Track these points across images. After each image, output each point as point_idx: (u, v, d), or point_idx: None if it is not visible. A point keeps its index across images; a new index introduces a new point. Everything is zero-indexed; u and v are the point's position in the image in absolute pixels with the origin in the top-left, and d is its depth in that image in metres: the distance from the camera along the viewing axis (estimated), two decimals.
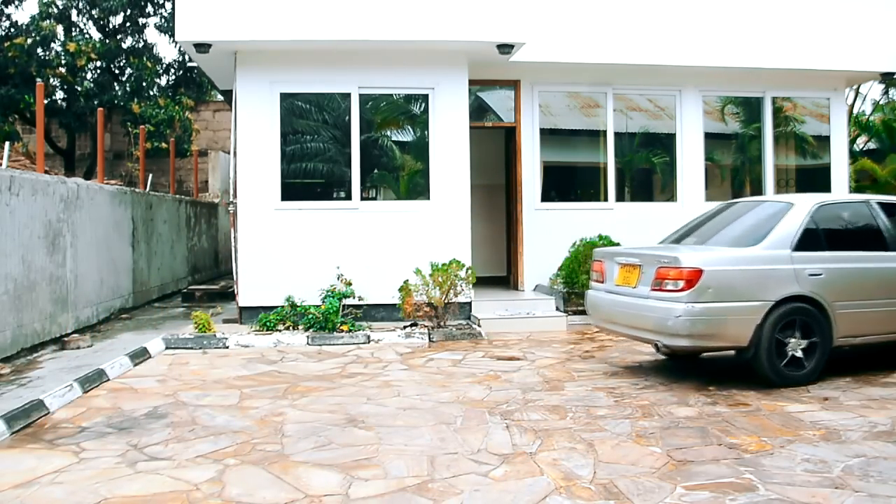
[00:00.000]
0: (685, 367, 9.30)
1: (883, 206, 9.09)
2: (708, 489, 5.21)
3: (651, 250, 9.00)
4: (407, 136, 13.68)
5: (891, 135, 22.07)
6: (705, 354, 9.85)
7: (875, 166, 20.29)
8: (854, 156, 19.96)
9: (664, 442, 6.27)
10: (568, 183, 15.53)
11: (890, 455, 5.90)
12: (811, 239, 8.45)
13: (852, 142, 20.61)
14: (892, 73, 15.61)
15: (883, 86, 20.94)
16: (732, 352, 8.59)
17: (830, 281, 8.34)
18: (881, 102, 23.61)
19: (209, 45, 12.00)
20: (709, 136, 15.17)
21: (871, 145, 23.16)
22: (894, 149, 21.41)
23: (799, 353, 8.24)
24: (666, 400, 7.67)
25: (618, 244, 12.83)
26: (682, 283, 7.99)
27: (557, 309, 12.90)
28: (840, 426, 6.68)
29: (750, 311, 8.09)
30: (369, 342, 11.19)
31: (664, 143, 15.12)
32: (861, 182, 19.22)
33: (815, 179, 15.64)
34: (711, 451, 6.02)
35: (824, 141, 15.78)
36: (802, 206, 8.70)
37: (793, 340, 8.21)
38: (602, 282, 9.38)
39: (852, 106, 21.18)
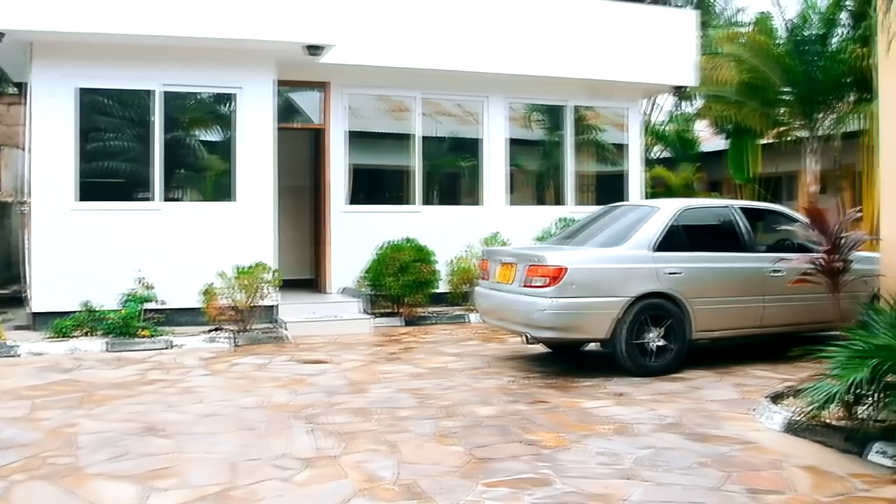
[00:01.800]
0: (489, 367, 9.51)
1: (745, 210, 9.82)
2: (507, 485, 5.35)
3: (525, 250, 9.81)
4: (214, 136, 13.39)
5: (683, 144, 23.46)
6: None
7: (669, 173, 21.47)
8: (650, 163, 21.02)
9: (466, 441, 6.38)
10: (376, 186, 15.60)
11: (676, 446, 6.24)
12: (673, 240, 9.04)
13: (648, 150, 21.68)
14: (683, 87, 16.64)
15: (676, 98, 22.13)
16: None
17: (689, 279, 8.93)
18: (675, 114, 24.90)
19: (1, 34, 11.30)
20: (514, 142, 15.57)
21: (666, 154, 24.48)
22: (686, 157, 22.72)
23: (657, 346, 8.77)
24: (468, 400, 7.82)
25: (424, 247, 13.03)
26: (547, 280, 8.52)
27: (364, 311, 12.93)
28: (632, 420, 7.01)
29: (609, 306, 8.62)
30: (171, 347, 10.85)
31: (471, 148, 15.41)
32: (656, 188, 20.27)
33: (613, 185, 16.37)
34: (511, 449, 6.18)
35: (622, 149, 16.56)
36: (667, 210, 9.35)
37: (652, 334, 8.74)
38: (486, 279, 9.86)
39: (650, 116, 22.24)
